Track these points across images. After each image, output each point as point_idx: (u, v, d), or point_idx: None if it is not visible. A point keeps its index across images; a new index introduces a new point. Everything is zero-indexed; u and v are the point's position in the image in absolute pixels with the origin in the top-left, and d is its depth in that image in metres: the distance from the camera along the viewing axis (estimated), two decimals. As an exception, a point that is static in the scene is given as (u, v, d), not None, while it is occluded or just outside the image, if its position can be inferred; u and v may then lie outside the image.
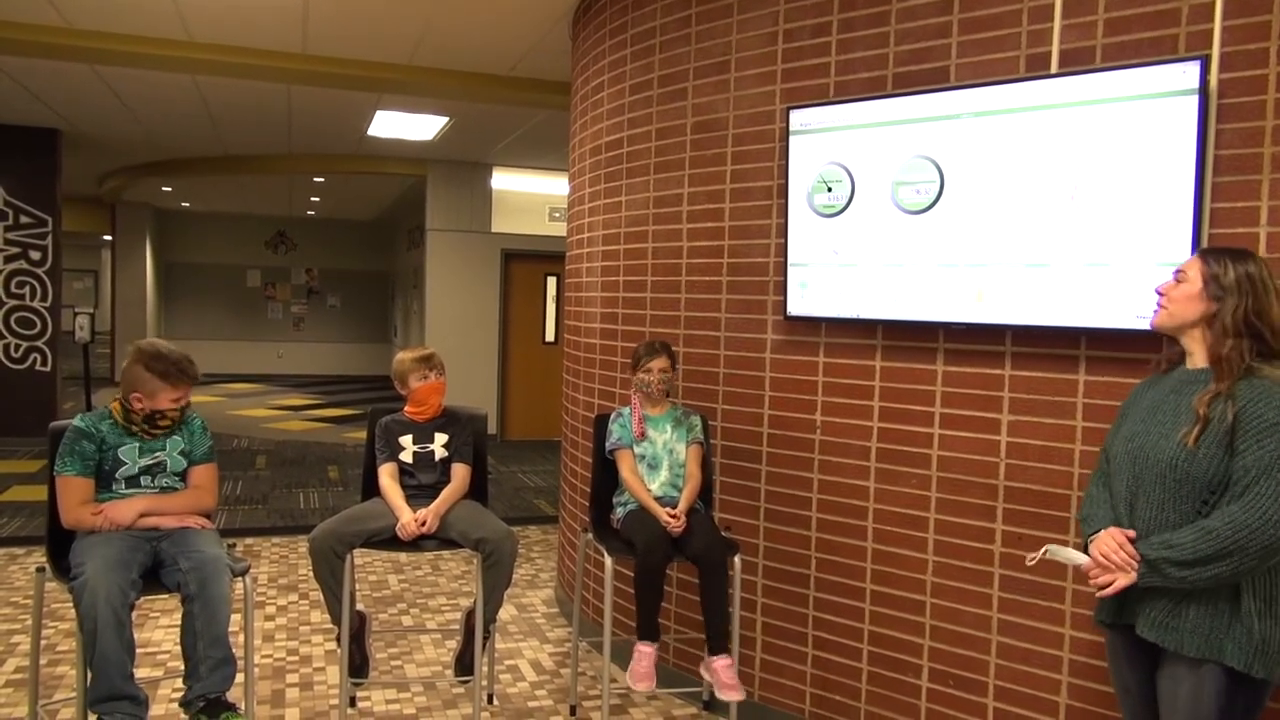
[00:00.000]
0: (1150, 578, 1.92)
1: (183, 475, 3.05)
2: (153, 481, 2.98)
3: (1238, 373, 1.91)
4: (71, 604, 2.69)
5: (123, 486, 2.94)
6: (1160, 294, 2.08)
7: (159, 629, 4.18)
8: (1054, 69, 2.69)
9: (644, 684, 3.07)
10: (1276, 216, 2.37)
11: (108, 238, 15.06)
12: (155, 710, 3.37)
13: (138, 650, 2.77)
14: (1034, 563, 2.22)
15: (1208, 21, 2.44)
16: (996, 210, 2.77)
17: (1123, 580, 1.96)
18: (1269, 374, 1.89)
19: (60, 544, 2.93)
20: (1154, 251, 2.47)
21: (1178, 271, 2.06)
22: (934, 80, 2.94)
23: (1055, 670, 2.74)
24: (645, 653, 3.11)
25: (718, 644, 3.09)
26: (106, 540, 2.77)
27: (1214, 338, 1.97)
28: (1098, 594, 2.04)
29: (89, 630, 2.60)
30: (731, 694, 3.04)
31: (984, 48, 2.84)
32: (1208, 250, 2.06)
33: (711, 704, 3.58)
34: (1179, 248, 2.42)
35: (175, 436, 3.04)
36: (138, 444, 2.97)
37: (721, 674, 3.05)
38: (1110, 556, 1.98)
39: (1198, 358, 2.03)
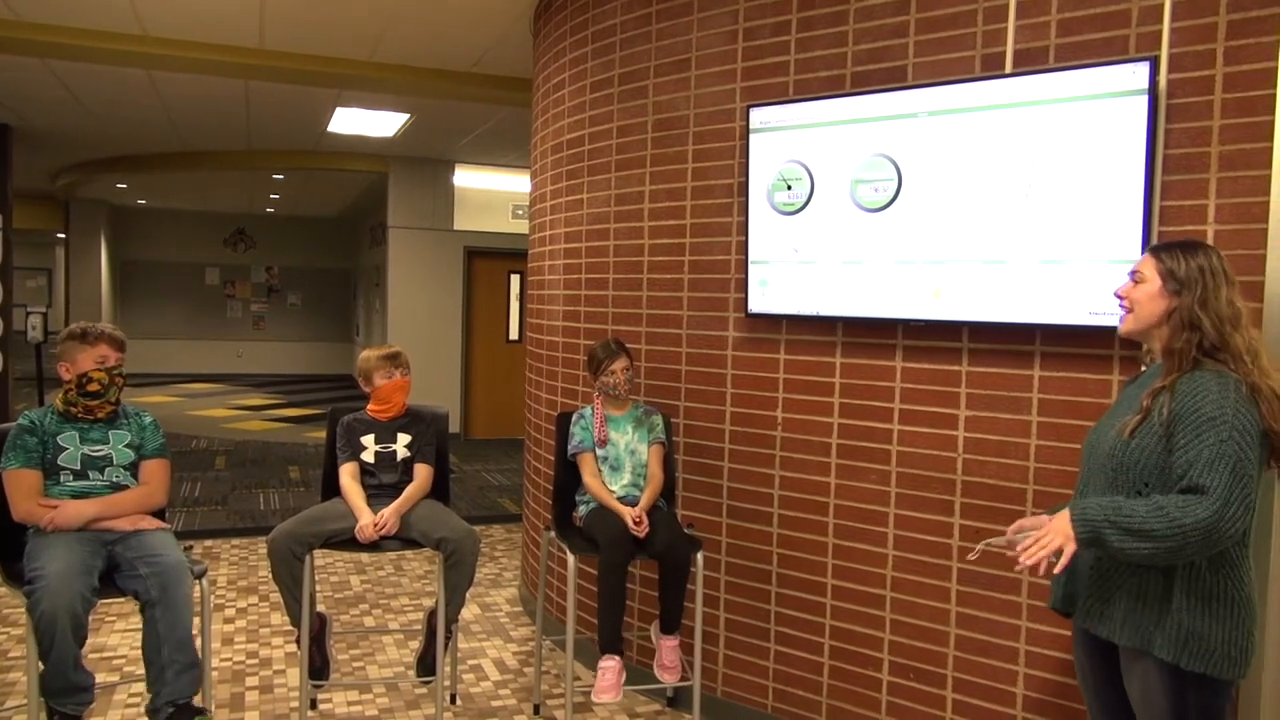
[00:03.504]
0: (1087, 535, 1.84)
1: (133, 471, 3.01)
2: (101, 475, 2.94)
3: (1185, 367, 1.89)
4: (23, 609, 2.64)
5: (70, 479, 2.90)
6: (1120, 297, 2.05)
7: (114, 633, 4.11)
8: (1008, 69, 2.73)
9: (608, 696, 3.06)
10: (1224, 214, 2.42)
11: (61, 235, 14.77)
12: (111, 715, 3.32)
13: (94, 655, 2.74)
14: (975, 558, 2.24)
15: (1157, 23, 2.48)
16: (953, 208, 2.80)
17: (1066, 548, 1.86)
18: (1210, 368, 1.87)
19: (9, 548, 2.88)
20: (1106, 249, 2.52)
21: (1134, 272, 2.03)
22: (891, 79, 2.96)
23: (1012, 661, 2.78)
24: (610, 668, 3.09)
25: (669, 625, 3.16)
26: (65, 544, 2.72)
27: (1169, 332, 1.95)
28: (1055, 570, 1.91)
29: (46, 634, 2.56)
30: (668, 676, 3.08)
31: (940, 47, 2.87)
32: (1160, 246, 2.04)
33: (675, 700, 3.59)
34: (1130, 246, 2.47)
35: (119, 430, 3.01)
36: (77, 432, 2.94)
37: (665, 654, 3.11)
38: (1024, 525, 2.02)
39: (1159, 354, 2.01)
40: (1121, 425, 1.95)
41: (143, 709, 2.81)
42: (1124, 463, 1.93)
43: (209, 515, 6.35)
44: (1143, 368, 2.14)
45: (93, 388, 2.93)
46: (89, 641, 2.73)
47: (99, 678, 3.51)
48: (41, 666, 2.62)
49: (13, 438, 2.87)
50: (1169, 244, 2.03)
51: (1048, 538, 1.88)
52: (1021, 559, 1.91)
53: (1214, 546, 1.79)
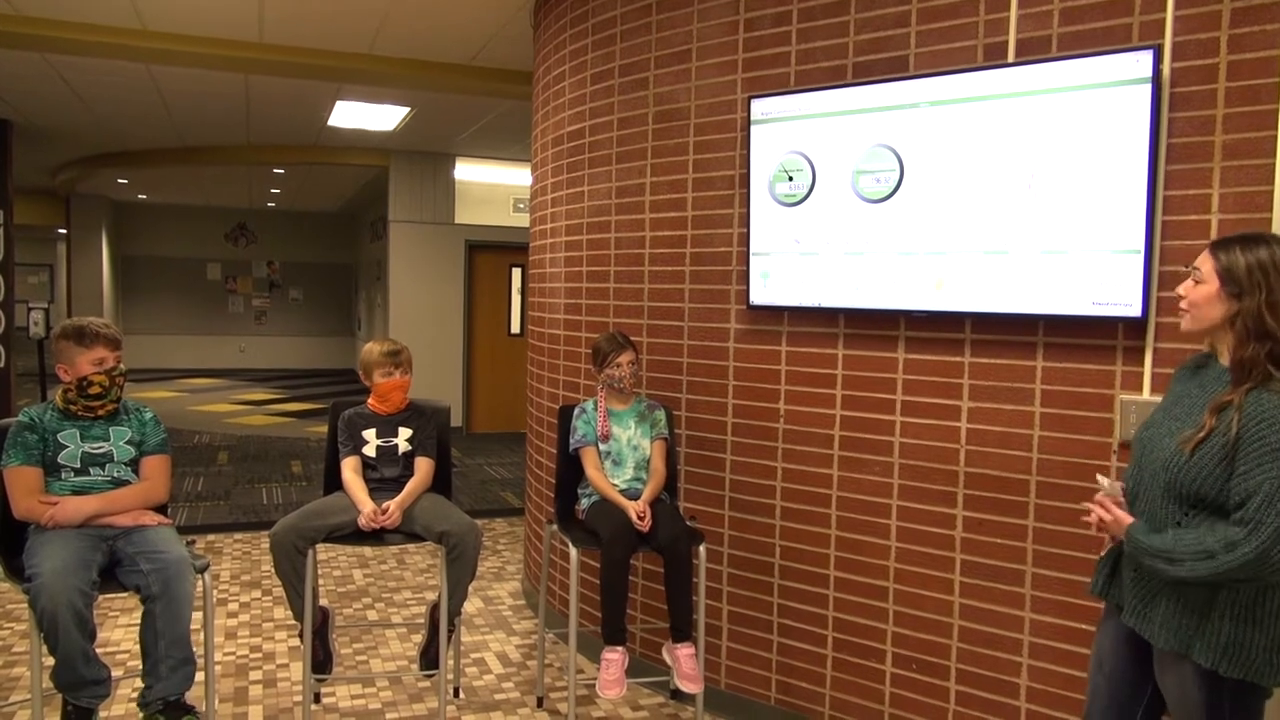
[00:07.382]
0: (1130, 551, 1.92)
1: (134, 466, 3.00)
2: (102, 471, 2.93)
3: (1254, 380, 1.79)
4: (27, 604, 2.64)
5: (71, 476, 2.89)
6: (1181, 297, 1.95)
7: (118, 628, 4.11)
8: (1011, 58, 2.71)
9: (613, 691, 3.05)
10: (1228, 204, 2.40)
11: (63, 231, 14.77)
12: (114, 710, 3.33)
13: (97, 649, 2.74)
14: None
15: (1160, 11, 2.47)
16: (955, 199, 2.79)
17: (1117, 534, 1.97)
18: (1278, 388, 1.77)
19: (11, 544, 2.88)
20: (1109, 239, 2.51)
21: (1195, 269, 1.91)
22: (893, 69, 2.95)
23: (1016, 653, 2.77)
24: (613, 659, 3.08)
25: (681, 632, 3.10)
26: (63, 540, 2.72)
27: (1236, 340, 1.84)
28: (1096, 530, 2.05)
29: (49, 630, 2.57)
30: (690, 685, 3.04)
31: (942, 37, 2.86)
32: (1218, 242, 1.90)
33: (678, 693, 3.59)
34: (1134, 236, 2.46)
35: (120, 426, 3.01)
36: (78, 429, 2.94)
37: (683, 663, 3.06)
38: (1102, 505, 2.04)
39: (1226, 356, 1.90)
40: (1183, 439, 1.86)
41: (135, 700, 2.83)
42: (1179, 479, 1.85)
43: (211, 510, 6.35)
44: (1190, 358, 2.06)
45: (94, 390, 2.93)
46: (93, 636, 2.73)
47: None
48: (53, 661, 2.63)
49: (13, 435, 2.87)
50: (1228, 239, 1.90)
51: (1112, 526, 1.99)
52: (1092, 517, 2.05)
53: (1258, 579, 1.77)
